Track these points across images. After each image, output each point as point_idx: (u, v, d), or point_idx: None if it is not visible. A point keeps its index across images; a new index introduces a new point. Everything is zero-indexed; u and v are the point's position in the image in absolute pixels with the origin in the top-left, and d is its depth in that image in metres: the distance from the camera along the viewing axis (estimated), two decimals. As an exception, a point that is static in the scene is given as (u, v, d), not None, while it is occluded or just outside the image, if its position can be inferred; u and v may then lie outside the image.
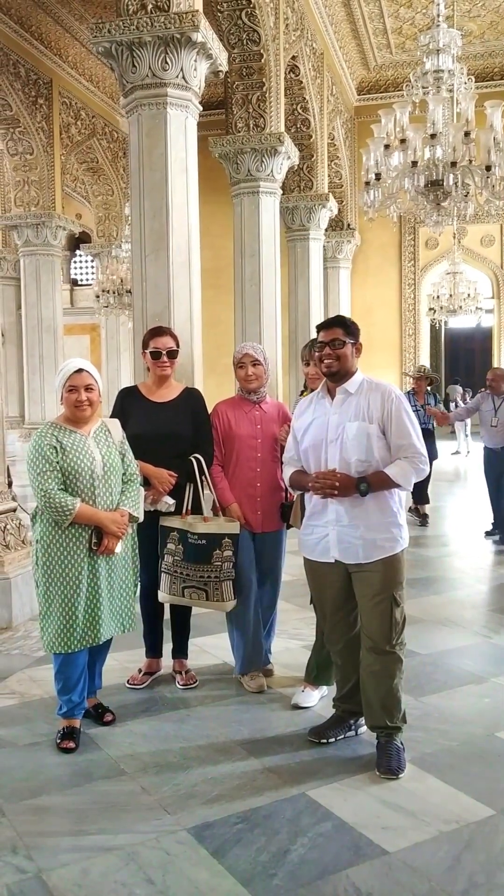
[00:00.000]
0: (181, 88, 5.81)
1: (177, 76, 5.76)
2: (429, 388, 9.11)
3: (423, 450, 3.19)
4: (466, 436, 16.50)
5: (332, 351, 3.22)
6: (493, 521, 7.92)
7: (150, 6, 5.75)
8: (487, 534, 7.94)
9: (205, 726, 3.57)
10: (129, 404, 3.98)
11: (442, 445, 16.81)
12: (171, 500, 3.87)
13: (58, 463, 3.29)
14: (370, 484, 3.12)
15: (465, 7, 11.92)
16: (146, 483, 3.78)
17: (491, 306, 15.68)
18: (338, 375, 3.25)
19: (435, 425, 8.76)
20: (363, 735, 3.44)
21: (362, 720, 3.41)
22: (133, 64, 5.77)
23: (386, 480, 3.13)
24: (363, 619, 3.27)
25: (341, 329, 3.25)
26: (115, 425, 3.56)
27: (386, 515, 3.21)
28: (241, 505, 3.98)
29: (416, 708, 3.68)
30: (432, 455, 8.61)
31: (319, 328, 3.34)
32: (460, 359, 26.19)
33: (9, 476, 5.95)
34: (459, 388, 17.23)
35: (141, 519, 3.56)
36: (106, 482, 3.38)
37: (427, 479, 7.59)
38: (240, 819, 2.80)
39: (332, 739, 3.39)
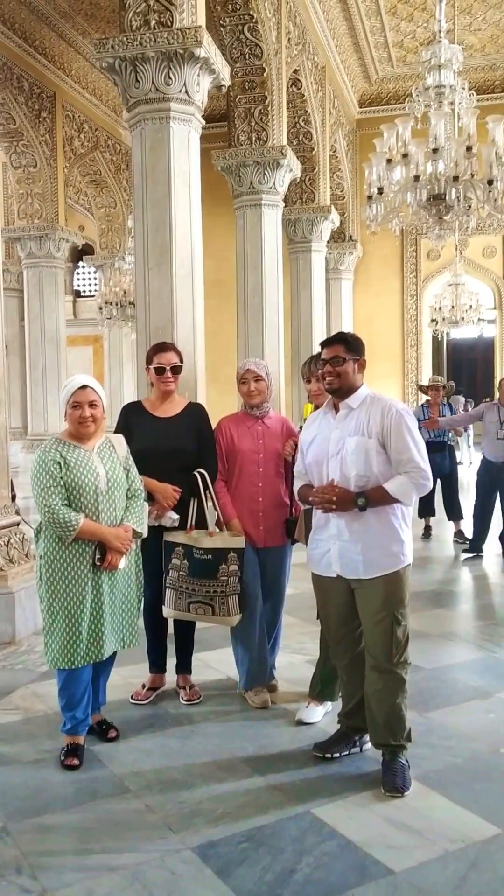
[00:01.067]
0: (184, 103, 5.84)
1: (180, 91, 5.80)
2: (446, 399, 8.89)
3: (425, 465, 3.15)
4: (469, 446, 16.48)
5: (332, 368, 3.24)
6: (471, 536, 7.73)
7: (153, 22, 5.79)
8: (465, 551, 7.74)
9: (209, 743, 3.56)
10: (132, 420, 3.99)
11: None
12: (175, 515, 3.87)
13: (62, 479, 3.29)
14: (368, 499, 3.11)
15: (466, 21, 11.99)
16: (150, 498, 3.78)
17: (493, 317, 15.69)
18: (339, 392, 3.26)
19: (453, 438, 8.54)
20: (368, 752, 3.42)
21: (367, 737, 3.40)
22: (136, 79, 5.81)
23: (385, 496, 3.12)
24: (365, 635, 3.26)
25: (342, 346, 3.26)
26: (120, 441, 3.57)
27: (387, 531, 3.19)
28: (243, 520, 3.98)
29: (421, 724, 3.66)
30: (451, 469, 8.46)
31: (322, 345, 3.35)
32: (462, 369, 26.17)
33: (12, 489, 5.95)
34: (462, 399, 17.20)
35: (145, 535, 3.57)
36: (110, 498, 3.38)
37: (433, 493, 7.52)
38: (245, 838, 2.79)
39: (337, 755, 3.38)
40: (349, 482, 3.16)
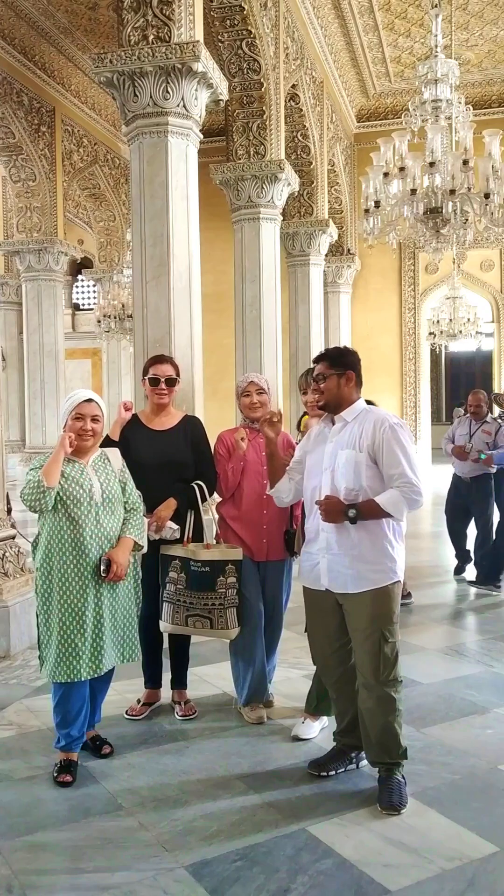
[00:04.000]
0: (182, 117, 5.87)
1: (178, 105, 5.82)
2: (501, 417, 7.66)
3: (417, 480, 3.10)
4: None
5: (317, 386, 3.31)
6: (456, 555, 7.33)
7: (151, 37, 5.82)
8: (457, 571, 7.30)
9: (204, 759, 3.52)
10: (129, 432, 3.97)
11: (444, 469, 16.75)
12: (174, 526, 3.84)
13: (55, 507, 3.30)
14: (359, 511, 3.08)
15: (463, 37, 12.07)
16: (147, 510, 3.76)
17: (491, 330, 15.72)
18: (329, 407, 3.28)
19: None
20: (364, 768, 3.38)
21: (363, 753, 3.36)
22: (135, 93, 5.83)
23: (375, 509, 3.08)
24: (355, 652, 3.23)
25: (325, 363, 3.29)
26: (115, 454, 3.56)
27: (377, 546, 3.16)
28: (248, 533, 3.96)
29: (418, 739, 3.63)
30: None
31: (314, 362, 3.42)
32: (461, 383, 26.23)
33: (8, 502, 5.92)
34: (461, 410, 17.22)
35: (145, 548, 3.54)
36: (106, 509, 3.36)
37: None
38: (239, 856, 2.75)
39: (333, 773, 3.34)
40: (339, 495, 3.16)
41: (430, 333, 14.70)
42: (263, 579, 4.01)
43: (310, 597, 3.37)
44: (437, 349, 16.20)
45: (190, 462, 3.93)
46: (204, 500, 3.86)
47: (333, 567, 3.20)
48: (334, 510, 3.10)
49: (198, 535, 3.89)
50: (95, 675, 3.35)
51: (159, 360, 4.08)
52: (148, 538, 3.64)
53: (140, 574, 3.60)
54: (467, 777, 3.34)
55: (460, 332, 13.98)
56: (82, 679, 3.31)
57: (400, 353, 15.23)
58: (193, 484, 3.85)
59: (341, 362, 3.29)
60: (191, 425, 4.06)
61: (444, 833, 2.90)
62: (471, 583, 6.97)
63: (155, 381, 3.98)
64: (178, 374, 4.06)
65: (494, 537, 6.94)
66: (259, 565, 3.99)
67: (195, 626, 3.81)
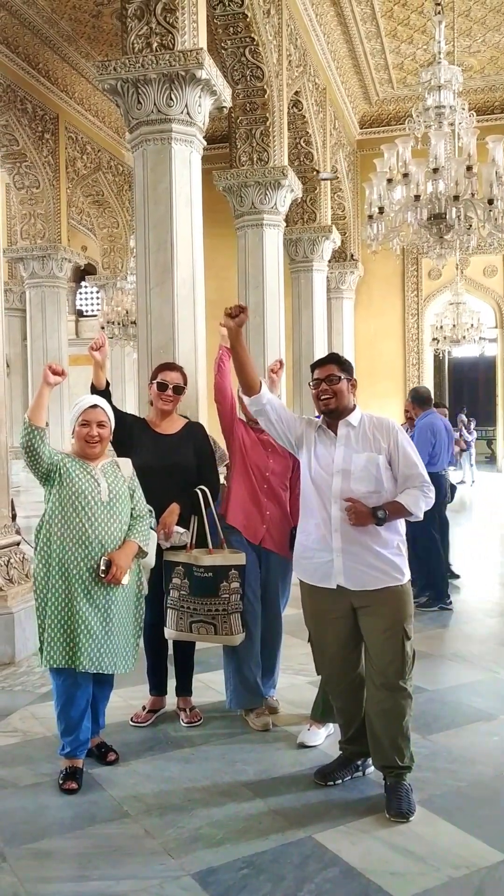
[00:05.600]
0: (186, 124, 5.88)
1: (181, 112, 5.84)
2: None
3: (429, 478, 3.22)
4: (472, 465, 16.46)
5: (328, 387, 3.25)
6: (427, 589, 6.42)
7: (155, 44, 5.84)
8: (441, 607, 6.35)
9: (209, 766, 3.51)
10: (136, 432, 3.97)
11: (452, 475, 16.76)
12: (182, 530, 3.84)
13: (59, 467, 3.33)
14: (388, 512, 3.13)
15: (466, 43, 12.10)
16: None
17: (494, 336, 15.73)
18: (336, 412, 3.27)
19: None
20: (371, 775, 3.37)
21: (370, 760, 3.35)
22: (138, 100, 5.85)
23: (401, 509, 3.16)
24: (373, 654, 3.21)
25: (336, 365, 3.30)
26: (126, 463, 3.56)
27: (392, 544, 3.20)
28: (249, 514, 3.94)
29: (424, 747, 3.61)
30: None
31: (314, 367, 3.37)
32: (464, 388, 26.23)
33: (13, 508, 5.93)
34: (464, 417, 17.22)
35: (150, 553, 3.52)
36: (111, 509, 3.35)
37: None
38: (245, 864, 2.74)
39: (339, 781, 3.33)
40: (355, 497, 3.16)
41: (434, 339, 14.71)
42: (265, 576, 3.98)
43: (316, 603, 3.33)
44: (441, 355, 16.22)
45: (193, 467, 3.93)
46: (207, 505, 3.86)
47: (350, 565, 3.17)
48: (362, 513, 3.10)
49: (201, 541, 3.88)
50: (86, 670, 3.29)
51: (169, 367, 4.10)
52: (159, 547, 3.64)
53: (146, 588, 3.59)
54: (474, 784, 3.33)
55: (464, 337, 13.98)
56: (73, 667, 3.27)
57: (403, 358, 15.23)
58: (196, 489, 3.85)
59: (348, 368, 3.33)
60: (194, 431, 4.07)
61: (451, 841, 2.88)
62: (421, 606, 6.18)
63: (163, 387, 3.98)
64: (185, 384, 4.07)
65: (429, 556, 6.38)
66: (260, 556, 3.96)
67: (199, 633, 3.80)
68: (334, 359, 3.36)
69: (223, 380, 4.00)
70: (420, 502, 3.17)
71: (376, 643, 3.18)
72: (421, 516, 3.22)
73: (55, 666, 3.30)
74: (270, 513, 3.97)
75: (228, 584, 3.75)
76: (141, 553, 3.46)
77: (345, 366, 3.32)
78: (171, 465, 3.87)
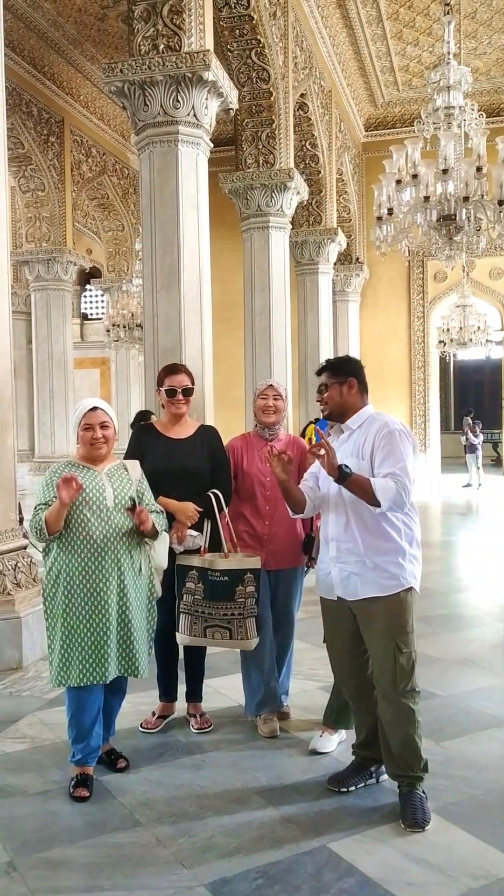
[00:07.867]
0: (192, 126, 5.86)
1: (188, 114, 5.82)
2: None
3: (408, 481, 3.04)
4: (478, 468, 16.40)
5: (320, 397, 3.33)
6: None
7: (161, 46, 5.82)
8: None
9: (221, 773, 3.47)
10: (146, 440, 3.94)
11: (453, 478, 16.69)
12: (195, 533, 3.80)
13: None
14: (352, 475, 3.00)
15: (472, 45, 12.08)
16: (170, 521, 3.71)
17: (500, 339, 15.67)
18: (333, 416, 3.30)
19: None
20: (384, 783, 3.32)
21: (384, 767, 3.30)
22: (145, 102, 5.83)
23: (365, 485, 3.01)
24: (372, 662, 3.19)
25: (326, 373, 3.32)
26: (134, 466, 3.51)
27: (388, 551, 3.13)
28: (244, 541, 3.93)
29: (438, 754, 3.56)
30: None
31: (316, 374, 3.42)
32: (469, 391, 26.19)
33: (20, 512, 5.90)
34: (470, 420, 17.19)
35: (160, 532, 3.45)
36: (117, 514, 3.31)
37: None
38: (259, 874, 2.69)
39: (353, 788, 3.28)
40: (346, 503, 3.15)
41: (440, 342, 14.67)
42: (275, 588, 3.96)
43: (326, 606, 3.35)
44: (447, 357, 16.18)
45: (206, 471, 3.89)
46: (220, 509, 3.82)
47: (344, 574, 3.18)
48: (331, 465, 3.01)
49: (215, 545, 3.84)
50: (98, 682, 3.27)
51: (174, 369, 4.04)
52: (171, 551, 3.60)
53: (159, 591, 3.54)
54: (490, 792, 3.27)
55: (470, 340, 13.94)
56: (83, 684, 3.23)
57: (409, 361, 15.19)
58: (209, 493, 3.81)
59: (342, 370, 3.29)
60: (207, 435, 4.02)
61: (468, 850, 2.83)
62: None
63: (172, 393, 3.94)
64: (192, 383, 4.02)
65: None
66: (269, 574, 3.94)
67: (214, 637, 3.74)
68: (328, 366, 3.36)
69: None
70: (388, 492, 2.99)
71: (372, 651, 3.17)
72: (384, 509, 3.04)
73: (61, 685, 3.27)
74: (270, 536, 3.94)
75: (244, 588, 3.71)
76: (153, 533, 3.38)
77: (336, 370, 3.29)
78: (184, 469, 3.83)
